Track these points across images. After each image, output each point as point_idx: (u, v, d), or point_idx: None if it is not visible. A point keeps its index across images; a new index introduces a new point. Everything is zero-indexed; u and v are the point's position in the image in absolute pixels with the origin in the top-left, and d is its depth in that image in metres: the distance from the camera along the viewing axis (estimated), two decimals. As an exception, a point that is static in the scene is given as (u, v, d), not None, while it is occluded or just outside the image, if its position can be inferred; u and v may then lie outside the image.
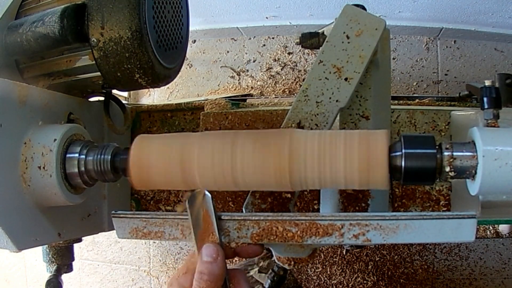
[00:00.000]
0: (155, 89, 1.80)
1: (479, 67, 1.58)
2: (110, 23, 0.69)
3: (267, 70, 1.71)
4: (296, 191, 0.61)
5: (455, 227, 0.48)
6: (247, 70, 1.73)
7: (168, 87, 1.79)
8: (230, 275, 0.51)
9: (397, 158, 0.51)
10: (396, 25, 1.58)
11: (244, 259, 1.24)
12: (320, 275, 1.45)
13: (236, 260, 1.32)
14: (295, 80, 1.68)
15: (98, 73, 0.75)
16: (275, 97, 1.63)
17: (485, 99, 0.68)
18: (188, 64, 1.78)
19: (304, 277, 1.46)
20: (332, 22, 0.67)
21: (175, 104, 1.15)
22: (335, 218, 0.51)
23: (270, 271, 0.88)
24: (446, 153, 0.51)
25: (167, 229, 0.55)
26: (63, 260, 0.94)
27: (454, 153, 0.51)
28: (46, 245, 0.93)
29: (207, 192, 0.51)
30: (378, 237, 0.50)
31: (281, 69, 1.70)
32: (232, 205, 0.94)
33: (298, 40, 0.88)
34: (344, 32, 0.63)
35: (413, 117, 0.92)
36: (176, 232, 0.55)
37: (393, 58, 1.61)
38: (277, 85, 1.69)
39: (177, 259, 1.63)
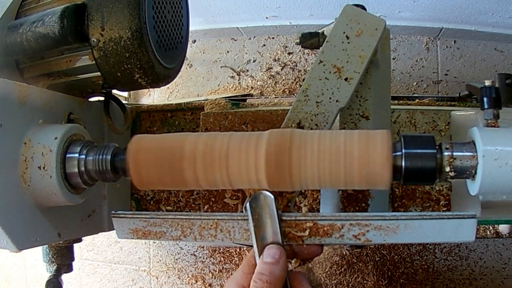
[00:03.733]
0: (155, 89, 1.80)
1: (479, 67, 1.58)
2: (110, 23, 0.69)
3: (267, 70, 1.71)
4: (296, 191, 0.61)
5: (455, 227, 0.48)
6: (247, 70, 1.73)
7: (168, 87, 1.79)
8: (291, 278, 0.50)
9: (397, 158, 0.51)
10: (396, 25, 1.58)
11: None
12: (320, 275, 1.45)
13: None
14: (295, 80, 1.68)
15: (98, 73, 0.75)
16: (275, 97, 1.63)
17: (485, 99, 0.68)
18: (188, 64, 1.78)
19: (304, 277, 1.46)
20: (332, 22, 0.67)
21: (175, 104, 1.15)
22: (335, 218, 0.51)
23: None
24: (446, 153, 0.51)
25: (167, 229, 0.55)
26: (63, 260, 0.94)
27: (454, 153, 0.51)
28: (46, 245, 0.93)
29: (269, 193, 0.51)
30: (378, 237, 0.50)
31: (281, 69, 1.70)
32: (232, 205, 0.94)
33: (298, 40, 0.88)
34: (344, 32, 0.63)
35: (413, 117, 0.92)
36: (176, 232, 0.55)
37: (393, 58, 1.61)
38: (277, 85, 1.69)
39: (177, 259, 1.63)
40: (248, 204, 0.50)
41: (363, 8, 0.67)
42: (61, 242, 0.90)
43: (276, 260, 0.47)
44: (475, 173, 0.51)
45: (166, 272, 1.64)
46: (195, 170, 0.54)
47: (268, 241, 0.50)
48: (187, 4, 0.88)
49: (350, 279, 1.43)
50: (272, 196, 0.51)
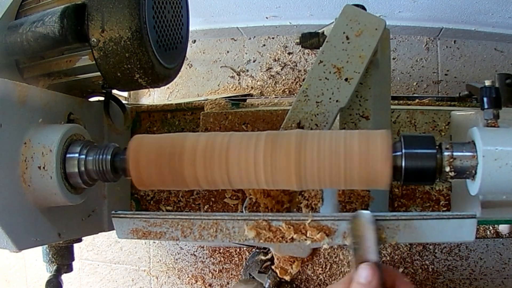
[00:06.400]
0: (155, 89, 1.80)
1: (479, 67, 1.58)
2: (110, 23, 0.69)
3: (267, 70, 1.71)
4: (296, 191, 0.61)
5: (455, 227, 0.48)
6: (247, 70, 1.73)
7: (168, 87, 1.78)
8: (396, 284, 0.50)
9: (397, 158, 0.51)
10: (396, 25, 1.58)
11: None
12: (320, 275, 1.45)
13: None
14: (295, 80, 1.68)
15: (98, 73, 0.75)
16: (275, 97, 1.63)
17: (485, 99, 0.68)
18: (188, 64, 1.78)
19: (304, 277, 1.46)
20: (332, 22, 0.67)
21: (175, 104, 1.15)
22: (335, 218, 0.51)
23: (270, 271, 0.88)
24: (446, 153, 0.51)
25: (167, 229, 0.55)
26: (63, 260, 0.94)
27: (454, 153, 0.51)
28: (46, 245, 0.93)
29: (369, 213, 0.50)
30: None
31: (281, 69, 1.70)
32: (232, 205, 0.94)
33: (298, 40, 0.88)
34: (344, 32, 0.63)
35: (413, 117, 0.92)
36: (176, 232, 0.55)
37: (393, 58, 1.61)
38: (277, 85, 1.69)
39: (177, 259, 1.63)
40: (348, 223, 0.50)
41: (363, 8, 0.67)
42: (61, 242, 0.90)
43: (368, 281, 0.48)
44: (475, 173, 0.51)
45: (166, 272, 1.64)
46: (195, 170, 0.54)
47: (365, 258, 0.50)
48: (187, 4, 0.88)
49: (350, 279, 1.43)
50: (372, 217, 0.50)
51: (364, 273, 0.48)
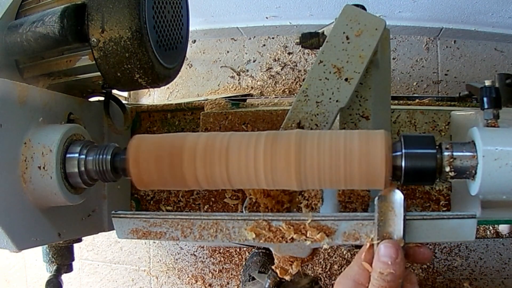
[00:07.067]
0: (155, 89, 1.80)
1: (479, 67, 1.58)
2: (110, 23, 0.69)
3: (267, 70, 1.71)
4: (296, 191, 0.61)
5: (455, 227, 0.48)
6: (247, 70, 1.73)
7: (168, 87, 1.79)
8: (404, 277, 0.48)
9: (397, 158, 0.51)
10: (396, 25, 1.58)
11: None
12: (320, 275, 1.45)
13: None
14: (295, 80, 1.68)
15: (98, 73, 0.75)
16: (275, 97, 1.63)
17: (485, 99, 0.68)
18: (188, 64, 1.78)
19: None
20: (332, 22, 0.67)
21: (175, 104, 1.15)
22: (335, 218, 0.51)
23: (270, 271, 0.88)
24: (446, 153, 0.51)
25: (167, 229, 0.55)
26: (63, 260, 0.94)
27: (454, 153, 0.51)
28: (46, 245, 0.93)
29: (399, 191, 0.49)
30: (378, 237, 0.50)
31: (281, 69, 1.70)
32: (232, 205, 0.94)
33: (298, 40, 0.88)
34: (344, 32, 0.63)
35: (413, 117, 0.92)
36: (176, 232, 0.55)
37: (393, 58, 1.61)
38: (277, 85, 1.69)
39: (177, 259, 1.63)
40: (377, 200, 0.49)
41: (363, 8, 0.67)
42: (61, 242, 0.90)
43: (393, 259, 0.46)
44: (475, 173, 0.51)
45: (166, 272, 1.64)
46: (195, 170, 0.54)
47: (388, 237, 0.49)
48: (187, 4, 0.89)
49: (350, 279, 1.43)
50: (402, 195, 0.49)
51: (388, 252, 0.46)
